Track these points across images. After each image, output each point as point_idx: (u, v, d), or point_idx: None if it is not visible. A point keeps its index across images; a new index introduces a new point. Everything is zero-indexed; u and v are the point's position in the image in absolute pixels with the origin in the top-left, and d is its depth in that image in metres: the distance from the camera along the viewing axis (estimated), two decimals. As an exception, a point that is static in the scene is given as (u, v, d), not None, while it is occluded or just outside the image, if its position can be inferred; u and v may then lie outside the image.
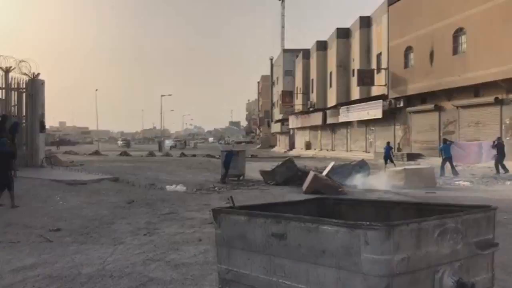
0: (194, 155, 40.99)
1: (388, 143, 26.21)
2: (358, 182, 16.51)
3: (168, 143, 54.78)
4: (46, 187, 12.76)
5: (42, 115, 17.06)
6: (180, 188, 15.52)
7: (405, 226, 2.25)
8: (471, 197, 13.32)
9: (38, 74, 16.48)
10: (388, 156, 24.35)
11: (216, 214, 2.91)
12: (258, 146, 70.90)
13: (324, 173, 16.88)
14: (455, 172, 19.24)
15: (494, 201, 12.52)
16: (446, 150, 20.02)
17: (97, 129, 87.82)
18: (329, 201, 3.51)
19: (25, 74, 16.06)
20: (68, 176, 14.93)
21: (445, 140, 21.22)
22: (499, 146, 19.41)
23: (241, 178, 19.37)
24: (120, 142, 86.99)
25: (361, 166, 17.99)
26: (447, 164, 19.82)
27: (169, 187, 15.56)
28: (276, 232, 2.56)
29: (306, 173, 16.37)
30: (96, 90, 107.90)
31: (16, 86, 16.08)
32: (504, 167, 19.18)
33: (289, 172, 17.18)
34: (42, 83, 16.82)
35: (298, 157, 37.22)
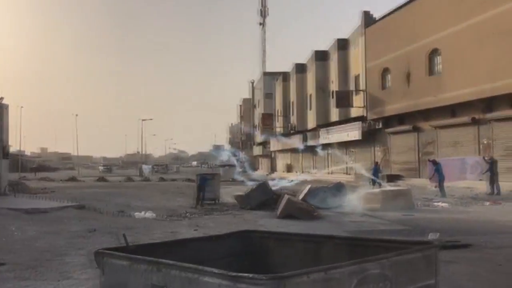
0: (174, 180, 40.26)
1: (376, 163, 25.92)
2: (335, 205, 16.10)
3: (145, 167, 53.99)
4: (1, 217, 12.03)
5: (6, 141, 16.38)
6: (149, 215, 14.89)
7: (305, 277, 1.72)
8: (448, 219, 12.98)
9: (2, 98, 15.87)
10: (376, 177, 24.03)
11: (100, 258, 2.38)
12: (240, 169, 70.21)
13: (300, 196, 16.42)
14: (443, 194, 18.98)
15: (471, 223, 12.17)
16: (440, 171, 19.65)
17: (77, 154, 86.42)
18: (256, 235, 3.01)
19: (-14, 98, 15.46)
20: (30, 204, 14.20)
21: (435, 161, 20.87)
22: (491, 163, 19.20)
23: (216, 202, 18.92)
24: (101, 168, 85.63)
25: (338, 188, 17.60)
26: (437, 181, 19.74)
27: (137, 214, 14.91)
28: (157, 284, 2.07)
29: (281, 197, 15.90)
30: (76, 115, 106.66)
31: (-23, 111, 15.47)
32: (493, 186, 18.88)
33: (263, 196, 16.68)
34: (5, 107, 16.19)
35: (279, 179, 36.72)
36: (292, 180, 22.75)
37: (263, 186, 17.48)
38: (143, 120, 70.38)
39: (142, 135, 79.22)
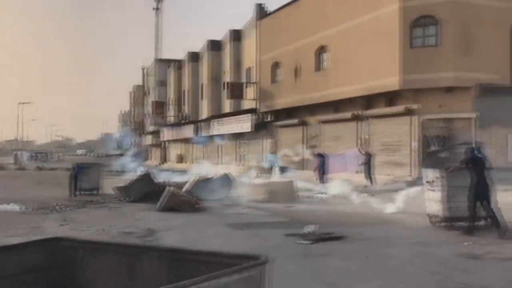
0: (53, 169, 37.35)
1: (274, 152, 26.27)
2: (222, 196, 15.92)
3: (19, 154, 49.39)
4: None
5: None
6: (14, 207, 13.41)
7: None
8: (327, 210, 13.37)
9: None
10: (273, 166, 24.38)
11: None
12: (131, 159, 67.56)
13: (186, 188, 15.94)
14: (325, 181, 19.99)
15: (347, 214, 12.61)
16: (324, 164, 20.93)
17: None
18: (65, 244, 2.47)
19: None
20: None
21: (320, 154, 21.82)
22: (368, 156, 20.40)
23: (96, 193, 17.77)
24: (-30, 154, 77.00)
25: (225, 180, 17.42)
26: (320, 174, 20.76)
27: (-1, 207, 13.32)
28: None
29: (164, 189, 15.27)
30: None
31: None
32: (370, 178, 20.05)
33: (146, 188, 15.87)
34: None
35: (169, 170, 35.79)
36: (184, 172, 22.15)
37: (146, 177, 16.68)
38: (20, 103, 64.32)
39: (18, 120, 72.36)
